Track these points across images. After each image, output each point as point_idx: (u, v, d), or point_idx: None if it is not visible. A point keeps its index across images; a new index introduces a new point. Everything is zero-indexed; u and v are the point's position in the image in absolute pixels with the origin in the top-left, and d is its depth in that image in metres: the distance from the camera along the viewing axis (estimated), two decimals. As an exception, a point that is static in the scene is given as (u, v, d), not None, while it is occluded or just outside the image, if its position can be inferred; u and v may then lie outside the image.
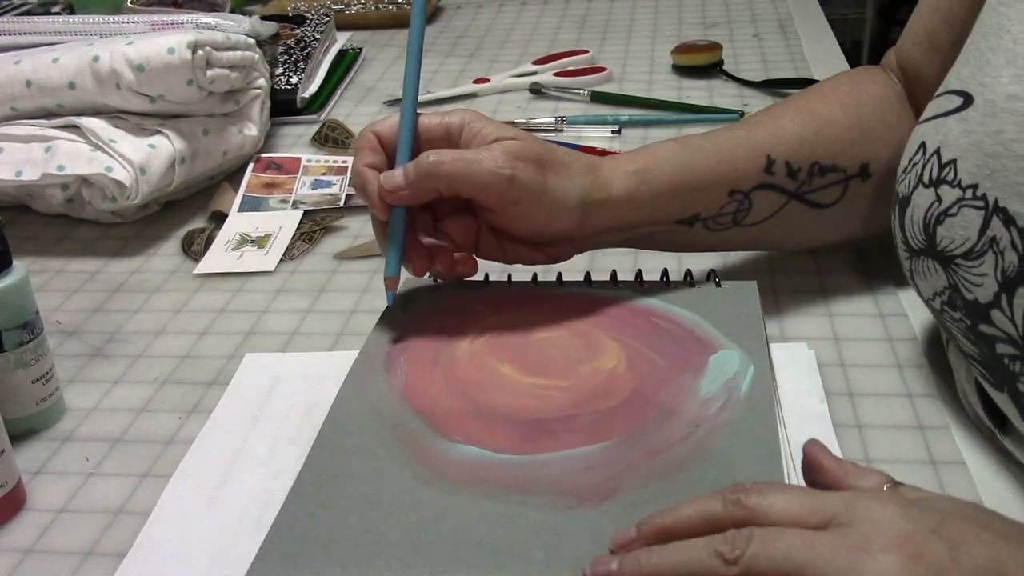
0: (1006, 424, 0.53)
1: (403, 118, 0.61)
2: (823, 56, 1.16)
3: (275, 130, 1.05)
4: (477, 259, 0.64)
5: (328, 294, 0.76)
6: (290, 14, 1.28)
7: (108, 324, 0.74)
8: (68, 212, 0.89)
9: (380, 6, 1.42)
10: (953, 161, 0.51)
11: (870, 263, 0.72)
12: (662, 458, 0.51)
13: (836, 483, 0.45)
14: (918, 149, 0.55)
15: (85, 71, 0.85)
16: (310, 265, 0.80)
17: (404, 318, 0.65)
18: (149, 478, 0.58)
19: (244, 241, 0.84)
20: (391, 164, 0.61)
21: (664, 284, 0.66)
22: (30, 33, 0.97)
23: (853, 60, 1.21)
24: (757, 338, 0.60)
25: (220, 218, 0.88)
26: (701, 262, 0.69)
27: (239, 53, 0.91)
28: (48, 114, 0.88)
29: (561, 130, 1.00)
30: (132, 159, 0.83)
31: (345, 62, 1.22)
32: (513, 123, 0.99)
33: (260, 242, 0.83)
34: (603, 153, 0.90)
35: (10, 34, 0.97)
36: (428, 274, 0.63)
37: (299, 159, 0.96)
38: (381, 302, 0.67)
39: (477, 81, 1.14)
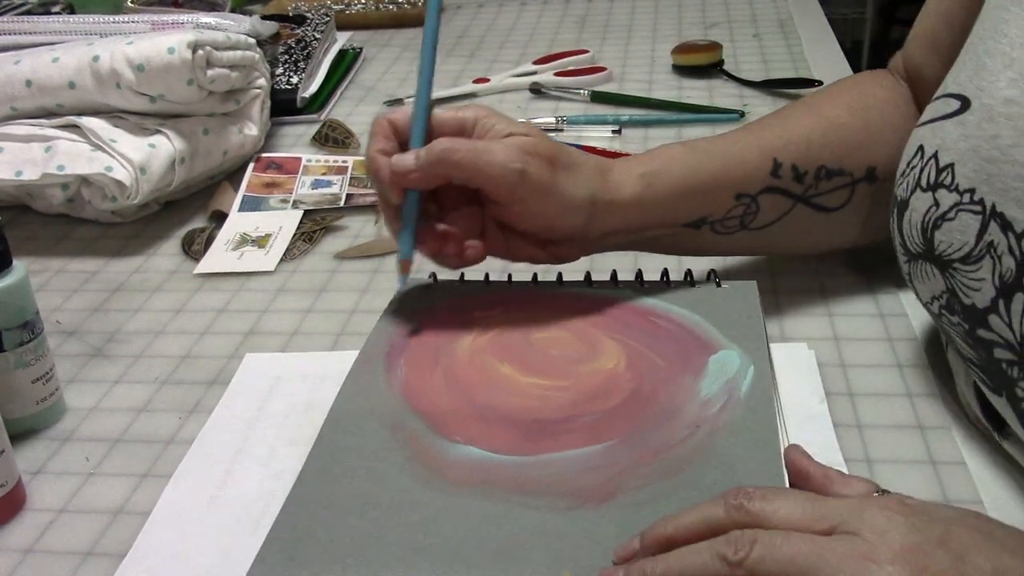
0: (1004, 427, 0.53)
1: (417, 105, 0.61)
2: (823, 56, 1.16)
3: (275, 130, 1.05)
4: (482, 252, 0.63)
5: (328, 294, 0.76)
6: (290, 14, 1.28)
7: (108, 324, 0.74)
8: (68, 212, 0.89)
9: (380, 6, 1.42)
10: (951, 165, 0.51)
11: (870, 263, 0.72)
12: (662, 458, 0.51)
13: (821, 491, 0.45)
14: (916, 152, 0.55)
15: (85, 71, 0.85)
16: (310, 265, 0.80)
17: (404, 318, 0.65)
18: (149, 478, 0.58)
19: (244, 241, 0.84)
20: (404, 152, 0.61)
21: (664, 284, 0.66)
22: (30, 33, 0.97)
23: (853, 60, 1.21)
24: (757, 338, 0.60)
25: (220, 218, 0.88)
26: (701, 262, 0.69)
27: (239, 53, 0.91)
28: (48, 114, 0.88)
29: (561, 130, 1.00)
30: (132, 159, 0.83)
31: (345, 62, 1.22)
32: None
33: (260, 242, 0.83)
34: (604, 153, 0.90)
35: (10, 34, 0.97)
36: (436, 261, 0.63)
37: (299, 159, 0.96)
38: (381, 302, 0.67)
39: (477, 81, 1.14)
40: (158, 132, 0.86)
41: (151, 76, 0.84)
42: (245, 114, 0.95)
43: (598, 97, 1.08)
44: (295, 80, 1.09)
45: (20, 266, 0.60)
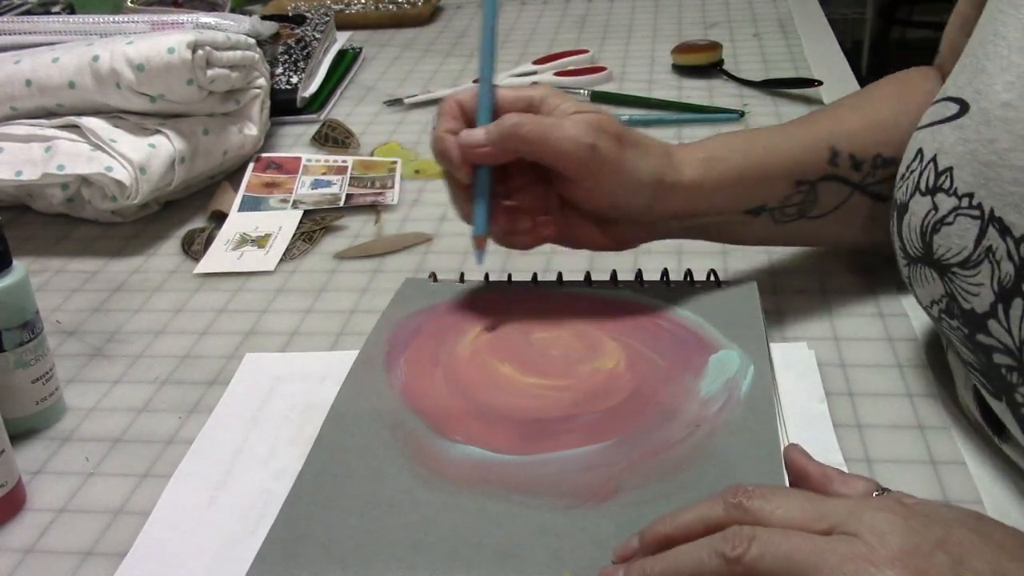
0: (1004, 431, 0.53)
1: (482, 82, 0.61)
2: (823, 56, 1.16)
3: (275, 130, 1.05)
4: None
5: (328, 294, 0.76)
6: (290, 14, 1.28)
7: (108, 324, 0.74)
8: (68, 212, 0.89)
9: (380, 6, 1.42)
10: (949, 169, 0.51)
11: (870, 264, 0.72)
12: (662, 458, 0.51)
13: (820, 491, 0.45)
14: (915, 156, 0.55)
15: (85, 71, 0.85)
16: (310, 265, 0.80)
17: (404, 318, 0.65)
18: (149, 478, 0.58)
19: (244, 241, 0.84)
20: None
21: (664, 284, 0.66)
22: (30, 33, 0.97)
23: (853, 60, 1.21)
24: (757, 338, 0.60)
25: (220, 218, 0.88)
26: (701, 262, 0.69)
27: (239, 53, 0.91)
28: (48, 114, 0.88)
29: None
30: (132, 159, 0.83)
31: (345, 62, 1.22)
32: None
33: (260, 242, 0.83)
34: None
35: (10, 34, 0.97)
36: (506, 242, 0.62)
37: (299, 159, 0.96)
38: (381, 302, 0.67)
39: (477, 81, 1.14)
40: (158, 132, 0.86)
41: (151, 76, 0.84)
42: (245, 114, 0.95)
43: (598, 97, 1.08)
44: (295, 80, 1.09)
45: (20, 266, 0.60)
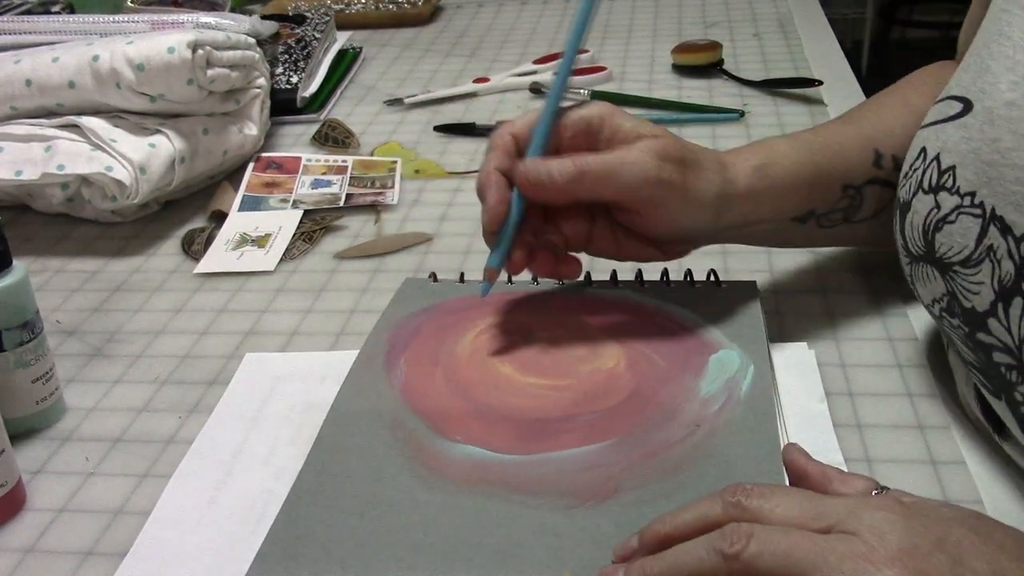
0: (1004, 429, 0.53)
1: (545, 113, 0.59)
2: (823, 56, 1.16)
3: (275, 129, 1.05)
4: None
5: (328, 294, 0.76)
6: (290, 13, 1.28)
7: (108, 324, 0.74)
8: (68, 211, 0.89)
9: (380, 6, 1.42)
10: (952, 168, 0.51)
11: (870, 264, 0.72)
12: (662, 458, 0.51)
13: (820, 490, 0.45)
14: (919, 154, 0.55)
15: (85, 70, 0.85)
16: (310, 265, 0.80)
17: (404, 318, 0.65)
18: (149, 478, 0.58)
19: (244, 241, 0.84)
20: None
21: (664, 284, 0.66)
22: (30, 33, 0.97)
23: (853, 60, 1.21)
24: (757, 338, 0.60)
25: (220, 218, 0.88)
26: (701, 262, 0.69)
27: (239, 52, 0.91)
28: (48, 113, 0.88)
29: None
30: (132, 158, 0.83)
31: (345, 62, 1.22)
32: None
33: (260, 242, 0.83)
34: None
35: (10, 34, 0.97)
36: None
37: (299, 158, 0.96)
38: (381, 302, 0.67)
39: (477, 80, 1.14)
40: (158, 132, 0.86)
41: (151, 76, 0.84)
42: (245, 114, 0.95)
43: (598, 97, 1.07)
44: (295, 80, 1.09)
45: (20, 266, 0.60)
